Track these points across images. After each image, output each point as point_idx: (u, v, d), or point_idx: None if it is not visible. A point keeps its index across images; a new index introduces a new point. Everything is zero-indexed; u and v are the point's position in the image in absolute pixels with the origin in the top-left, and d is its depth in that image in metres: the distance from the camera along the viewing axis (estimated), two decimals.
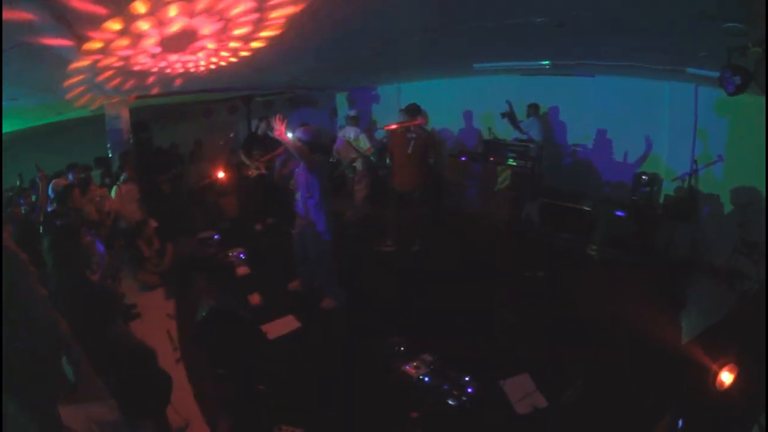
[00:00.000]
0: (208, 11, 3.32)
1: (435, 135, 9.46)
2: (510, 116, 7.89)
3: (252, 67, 5.93)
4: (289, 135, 5.24)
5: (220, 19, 3.57)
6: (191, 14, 3.30)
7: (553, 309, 5.23)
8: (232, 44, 4.47)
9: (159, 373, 3.50)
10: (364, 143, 7.98)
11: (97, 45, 3.60)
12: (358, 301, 5.58)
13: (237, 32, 4.03)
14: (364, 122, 8.14)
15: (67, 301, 3.48)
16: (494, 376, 4.04)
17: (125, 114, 8.10)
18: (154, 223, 6.84)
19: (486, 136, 9.04)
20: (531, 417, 3.67)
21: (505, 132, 8.66)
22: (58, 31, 3.00)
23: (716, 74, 3.95)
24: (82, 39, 3.33)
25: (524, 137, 8.09)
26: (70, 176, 6.90)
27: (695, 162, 6.35)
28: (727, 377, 3.18)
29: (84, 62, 4.09)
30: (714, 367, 3.27)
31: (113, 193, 6.77)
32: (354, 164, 7.75)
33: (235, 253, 6.94)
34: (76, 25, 2.98)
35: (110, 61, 4.25)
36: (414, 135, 6.58)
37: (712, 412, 3.20)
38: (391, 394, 3.94)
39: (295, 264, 5.79)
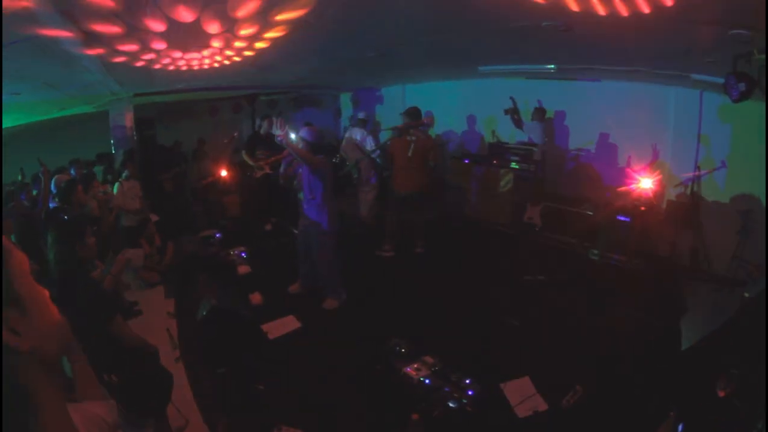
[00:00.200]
0: (216, 9, 3.33)
1: (436, 138, 9.51)
2: (513, 113, 7.89)
3: (257, 66, 5.93)
4: (293, 136, 5.25)
5: (227, 18, 3.57)
6: (198, 11, 3.31)
7: (554, 313, 5.23)
8: (238, 43, 4.48)
9: (160, 371, 3.49)
10: (370, 145, 7.98)
11: (102, 40, 3.60)
12: (359, 301, 5.58)
13: (243, 31, 4.03)
14: (369, 124, 8.13)
15: (68, 298, 3.47)
16: (495, 379, 4.03)
17: (129, 111, 8.11)
18: (154, 217, 6.85)
19: (489, 139, 9.05)
20: (531, 420, 3.66)
21: (509, 135, 8.66)
22: (63, 26, 3.00)
23: (721, 80, 3.95)
24: (87, 34, 3.33)
25: (525, 138, 8.11)
26: (73, 171, 6.92)
27: (698, 168, 6.34)
28: (727, 382, 3.18)
29: (89, 57, 4.09)
30: (715, 372, 3.27)
31: (115, 190, 6.77)
32: (359, 165, 7.74)
33: (236, 252, 6.94)
34: (81, 20, 2.98)
35: (115, 56, 4.25)
36: (414, 138, 6.58)
37: (712, 417, 3.20)
38: (392, 395, 3.93)
39: (297, 263, 5.80)
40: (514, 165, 8.11)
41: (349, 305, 5.52)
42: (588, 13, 3.36)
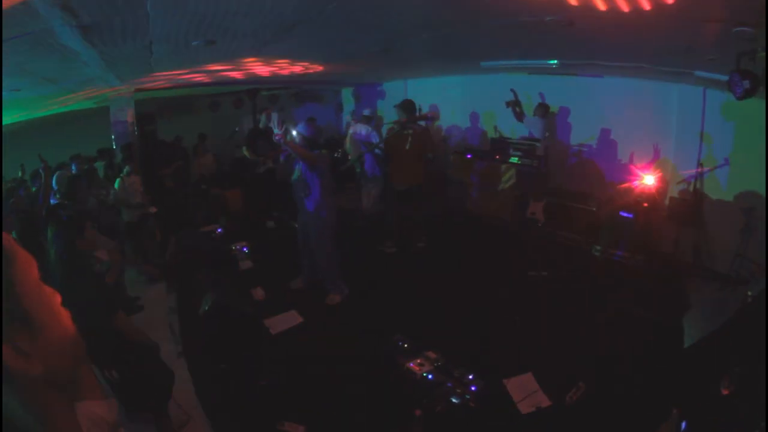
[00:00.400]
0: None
1: (437, 132, 9.50)
2: (514, 105, 7.88)
3: (258, 60, 5.91)
4: (293, 132, 5.25)
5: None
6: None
7: (557, 309, 5.22)
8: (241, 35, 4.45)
9: (161, 367, 3.49)
10: (375, 141, 7.98)
11: (103, 35, 3.58)
12: (362, 297, 5.58)
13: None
14: (374, 122, 8.11)
15: (69, 294, 3.47)
16: (498, 375, 4.04)
17: (130, 106, 8.10)
18: (153, 209, 6.85)
19: (491, 134, 9.03)
20: (534, 416, 3.66)
21: (511, 131, 8.64)
22: (63, 20, 2.98)
23: (725, 78, 3.93)
24: (87, 28, 3.31)
25: (526, 133, 8.11)
26: (74, 167, 6.92)
27: (701, 165, 6.33)
28: (730, 381, 3.17)
29: (90, 52, 4.07)
30: (717, 370, 3.26)
31: (117, 185, 6.77)
32: (362, 160, 7.72)
33: (238, 247, 6.94)
34: (82, 14, 2.95)
35: (116, 51, 4.23)
36: (411, 131, 6.56)
37: (715, 415, 3.19)
38: (395, 391, 3.94)
39: (298, 257, 5.80)
40: (516, 160, 8.10)
41: (351, 300, 5.52)
42: (591, 8, 3.34)
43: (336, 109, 13.41)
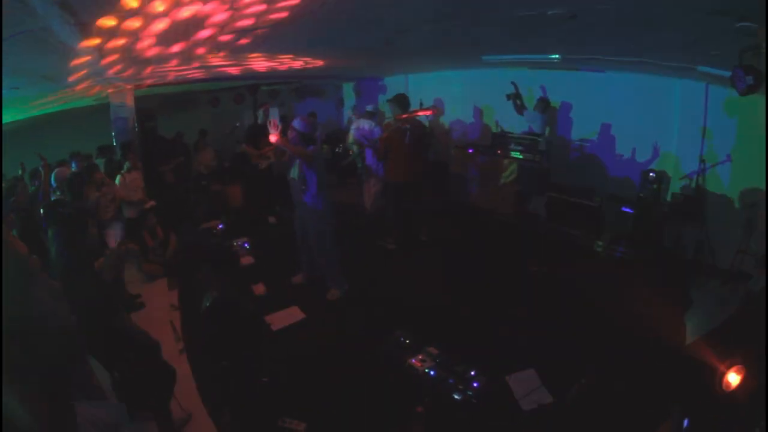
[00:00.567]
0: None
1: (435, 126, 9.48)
2: (515, 98, 7.86)
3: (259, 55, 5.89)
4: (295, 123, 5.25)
5: (228, 8, 3.53)
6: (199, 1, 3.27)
7: (559, 304, 5.21)
8: (238, 33, 4.43)
9: (163, 365, 3.50)
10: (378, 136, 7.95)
11: (101, 32, 3.56)
12: (363, 292, 5.58)
13: (245, 19, 3.99)
14: (377, 117, 8.10)
15: (71, 292, 3.47)
16: (500, 371, 4.04)
17: (130, 102, 8.08)
18: (152, 203, 6.86)
19: (493, 129, 9.01)
20: (536, 413, 3.66)
21: (513, 126, 8.62)
22: (62, 18, 2.97)
23: (727, 73, 3.91)
24: (86, 25, 3.29)
25: (526, 128, 8.09)
26: (73, 165, 6.91)
27: (703, 161, 6.30)
28: (733, 378, 3.17)
29: (88, 50, 4.06)
30: (720, 367, 3.26)
31: (117, 182, 6.76)
32: (363, 156, 7.70)
33: (239, 243, 6.94)
34: (81, 11, 2.94)
35: (115, 48, 4.21)
36: (409, 126, 6.54)
37: (717, 412, 3.19)
38: (396, 387, 3.94)
39: (297, 251, 5.81)
40: (518, 155, 8.08)
41: (352, 296, 5.52)
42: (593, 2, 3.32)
43: (337, 104, 13.39)
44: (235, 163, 10.20)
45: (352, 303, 5.43)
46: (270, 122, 5.11)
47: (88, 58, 4.34)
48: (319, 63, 7.55)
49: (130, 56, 4.63)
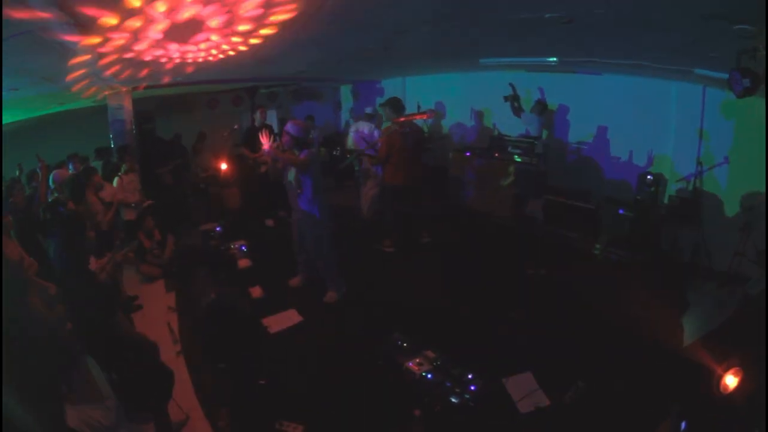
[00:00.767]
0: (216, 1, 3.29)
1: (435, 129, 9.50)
2: (513, 99, 7.87)
3: (257, 58, 5.89)
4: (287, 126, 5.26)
5: (227, 11, 3.53)
6: (198, 3, 3.27)
7: (556, 307, 5.22)
8: (237, 35, 4.44)
9: (161, 368, 3.49)
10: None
11: (100, 33, 3.57)
12: (360, 295, 5.58)
13: (243, 21, 3.99)
14: (376, 119, 8.11)
15: (68, 294, 3.46)
16: (497, 374, 4.03)
17: (128, 104, 8.07)
18: (148, 202, 6.86)
19: (495, 132, 9.03)
20: (533, 415, 3.66)
21: (510, 128, 8.63)
22: (61, 19, 2.97)
23: (724, 76, 3.92)
24: (85, 27, 3.29)
25: (523, 130, 8.12)
26: (71, 166, 6.90)
27: (700, 163, 6.32)
28: (731, 381, 3.17)
29: (87, 51, 4.06)
30: (717, 370, 3.26)
31: (114, 184, 6.76)
32: (362, 158, 7.70)
33: (237, 245, 6.93)
34: (79, 13, 2.94)
35: (114, 50, 4.21)
36: (408, 130, 6.55)
37: (715, 415, 3.19)
38: (394, 390, 3.93)
39: (294, 254, 5.81)
40: (516, 158, 8.09)
41: (350, 299, 5.52)
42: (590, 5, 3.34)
43: (334, 107, 13.39)
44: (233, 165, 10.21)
45: (349, 306, 5.42)
46: (261, 132, 5.11)
47: (86, 59, 4.34)
48: (317, 65, 7.56)
49: (129, 58, 4.63)
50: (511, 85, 7.92)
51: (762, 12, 2.75)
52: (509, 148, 8.37)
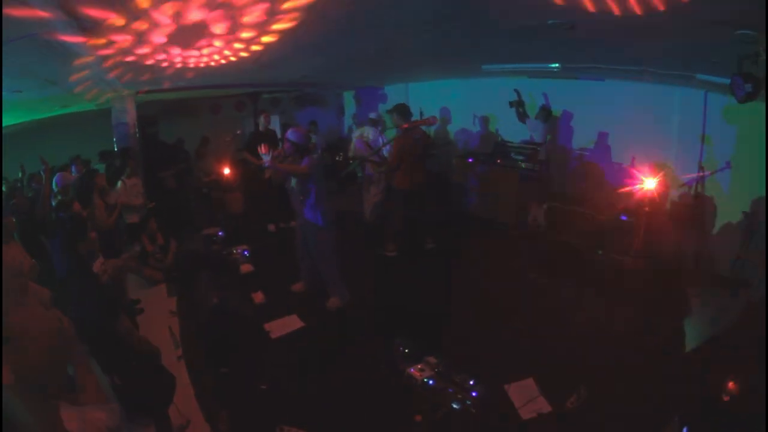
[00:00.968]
0: (219, 6, 3.30)
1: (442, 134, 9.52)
2: (518, 105, 7.88)
3: (259, 64, 5.91)
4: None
5: (229, 15, 3.55)
6: (201, 8, 3.29)
7: (558, 313, 5.20)
8: (240, 40, 4.45)
9: (163, 372, 3.49)
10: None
11: (104, 37, 3.58)
12: (362, 301, 5.57)
13: (246, 27, 4.01)
14: (380, 124, 8.13)
15: (72, 297, 3.47)
16: (499, 380, 4.02)
17: (131, 108, 8.09)
18: (153, 203, 6.88)
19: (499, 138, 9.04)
20: (535, 422, 3.65)
21: (513, 134, 8.64)
22: (65, 22, 2.98)
23: (726, 81, 3.92)
24: (89, 31, 3.31)
25: (527, 137, 8.12)
26: (73, 169, 6.92)
27: (702, 168, 6.31)
28: (733, 386, 3.16)
29: (91, 55, 4.08)
30: (719, 375, 3.25)
31: (118, 187, 6.77)
32: (366, 164, 7.70)
33: (239, 251, 6.93)
34: (84, 17, 2.96)
35: (118, 54, 4.23)
36: (418, 136, 6.59)
37: (717, 421, 3.18)
38: (395, 396, 3.92)
39: (298, 259, 5.80)
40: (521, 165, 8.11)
41: (352, 305, 5.50)
42: (594, 12, 3.34)
43: (337, 113, 13.41)
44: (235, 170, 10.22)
45: (351, 311, 5.42)
46: (260, 146, 5.12)
47: (90, 61, 4.36)
48: (320, 71, 7.58)
49: (132, 61, 4.65)
50: (515, 90, 7.93)
51: (762, 16, 2.76)
52: (512, 155, 8.38)
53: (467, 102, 9.74)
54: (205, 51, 4.70)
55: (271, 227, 8.34)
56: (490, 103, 9.04)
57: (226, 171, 8.67)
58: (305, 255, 5.66)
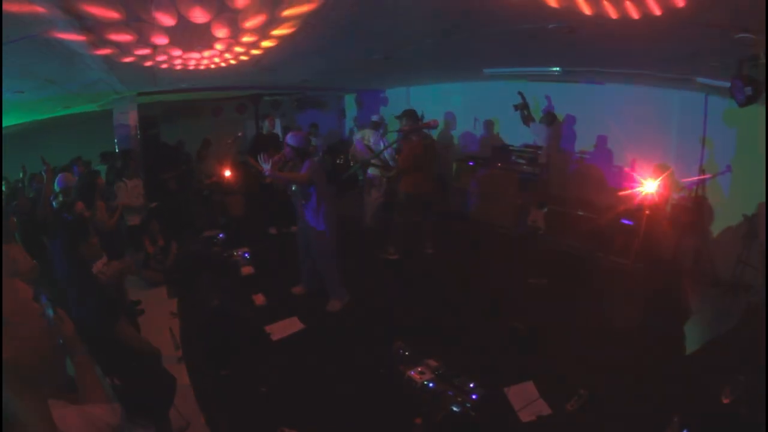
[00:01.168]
0: (222, 9, 3.31)
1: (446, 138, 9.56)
2: (523, 108, 7.88)
3: (260, 67, 5.92)
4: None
5: (232, 18, 3.56)
6: (204, 11, 3.30)
7: (558, 316, 5.20)
8: (243, 43, 4.47)
9: (163, 375, 3.48)
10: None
11: (106, 38, 3.59)
12: (363, 304, 5.57)
13: (248, 30, 4.02)
14: (383, 127, 8.15)
15: (72, 298, 3.47)
16: (499, 383, 4.02)
17: (133, 110, 8.11)
18: (153, 204, 6.88)
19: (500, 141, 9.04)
20: (535, 425, 3.64)
21: (514, 138, 8.65)
22: (67, 23, 2.99)
23: (726, 84, 3.92)
24: (91, 32, 3.32)
25: (531, 141, 8.12)
26: (75, 170, 6.93)
27: (702, 171, 6.32)
28: (732, 389, 3.16)
29: (93, 56, 4.09)
30: (719, 378, 3.25)
31: (119, 189, 6.78)
32: (367, 168, 7.71)
33: (239, 253, 6.94)
34: (86, 18, 2.97)
35: (120, 55, 4.25)
36: (429, 141, 6.64)
37: (716, 423, 3.18)
38: (395, 399, 3.92)
39: (298, 262, 5.81)
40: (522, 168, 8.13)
41: (352, 307, 5.51)
42: (594, 15, 3.34)
43: (338, 116, 13.42)
44: (236, 172, 10.21)
45: (352, 314, 5.42)
46: (260, 156, 5.12)
47: (92, 62, 4.37)
48: (321, 74, 7.59)
49: (134, 62, 4.66)
50: (520, 93, 7.93)
51: (760, 19, 2.76)
52: (513, 158, 8.39)
53: (468, 105, 9.75)
54: (206, 53, 4.71)
55: (272, 230, 8.35)
56: (491, 106, 9.05)
57: (227, 173, 8.67)
58: (306, 258, 5.67)
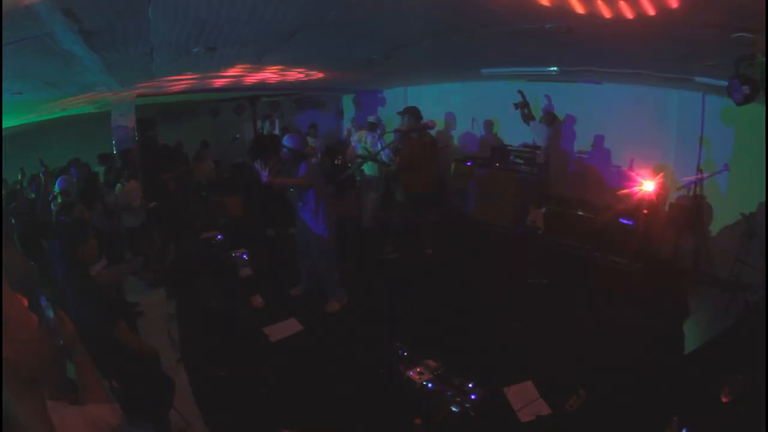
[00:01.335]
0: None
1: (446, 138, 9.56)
2: (523, 106, 7.88)
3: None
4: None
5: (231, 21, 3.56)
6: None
7: (557, 316, 5.21)
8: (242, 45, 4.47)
9: (163, 377, 3.48)
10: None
11: (105, 40, 3.59)
12: (361, 304, 5.57)
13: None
14: (380, 128, 8.16)
15: (70, 300, 3.46)
16: (498, 383, 4.02)
17: (131, 111, 8.11)
18: (152, 204, 6.88)
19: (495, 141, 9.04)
20: (534, 425, 3.65)
21: (513, 138, 8.65)
22: (65, 25, 2.99)
23: (724, 83, 3.93)
24: (89, 33, 3.31)
25: (530, 141, 8.12)
26: (73, 172, 6.93)
27: (700, 171, 6.33)
28: (732, 388, 3.16)
29: (91, 58, 4.08)
30: (719, 377, 3.25)
31: (117, 190, 6.78)
32: (363, 168, 7.71)
33: (238, 254, 6.92)
34: (84, 18, 2.96)
35: (117, 57, 4.24)
36: (428, 140, 6.64)
37: (716, 422, 3.18)
38: (394, 399, 3.92)
39: (297, 262, 5.81)
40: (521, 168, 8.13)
41: (351, 308, 5.51)
42: (591, 15, 3.34)
43: (337, 116, 13.42)
44: (234, 173, 10.21)
45: (350, 315, 5.42)
46: (257, 162, 5.11)
47: (90, 63, 4.36)
48: (319, 75, 7.58)
49: (133, 64, 4.66)
50: (519, 92, 7.92)
51: (759, 20, 2.77)
52: (511, 158, 8.39)
53: (466, 105, 9.75)
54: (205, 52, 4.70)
55: (271, 231, 8.34)
56: (489, 106, 9.05)
57: (226, 174, 8.67)
58: (305, 259, 5.67)
